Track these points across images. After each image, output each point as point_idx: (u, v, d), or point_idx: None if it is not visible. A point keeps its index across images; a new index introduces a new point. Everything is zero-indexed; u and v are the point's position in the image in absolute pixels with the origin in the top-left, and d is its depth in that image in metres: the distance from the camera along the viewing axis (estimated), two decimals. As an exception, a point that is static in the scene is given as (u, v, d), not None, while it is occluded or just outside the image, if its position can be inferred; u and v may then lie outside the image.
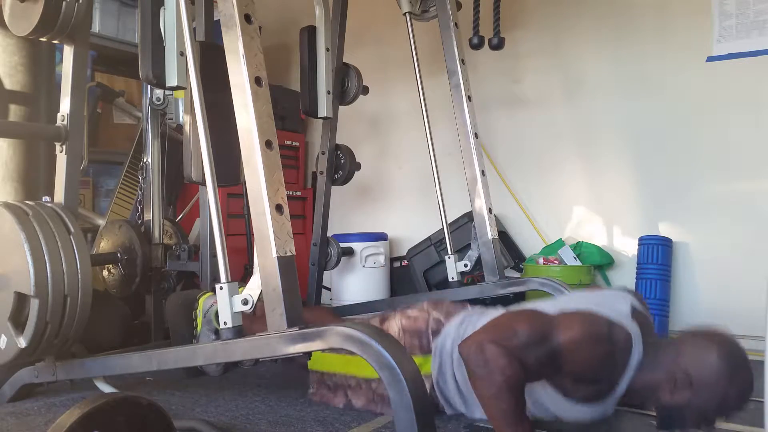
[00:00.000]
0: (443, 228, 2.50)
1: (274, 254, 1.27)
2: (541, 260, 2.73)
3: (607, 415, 1.44)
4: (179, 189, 3.19)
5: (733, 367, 1.29)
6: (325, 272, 2.73)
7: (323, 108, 2.43)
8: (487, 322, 1.39)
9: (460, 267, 2.39)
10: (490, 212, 2.32)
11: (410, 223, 3.34)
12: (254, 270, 1.33)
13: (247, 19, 1.34)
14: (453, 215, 2.79)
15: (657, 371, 1.34)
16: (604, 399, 1.38)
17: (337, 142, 2.64)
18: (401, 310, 1.75)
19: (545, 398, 1.43)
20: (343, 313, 2.50)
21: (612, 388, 1.36)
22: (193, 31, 1.54)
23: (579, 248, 2.78)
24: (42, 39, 1.73)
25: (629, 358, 1.33)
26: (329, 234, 2.73)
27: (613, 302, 1.40)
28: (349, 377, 1.69)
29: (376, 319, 1.78)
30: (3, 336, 1.56)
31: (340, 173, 2.66)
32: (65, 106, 1.75)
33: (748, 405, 1.31)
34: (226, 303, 1.34)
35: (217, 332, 1.65)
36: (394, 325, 1.69)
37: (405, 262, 3.17)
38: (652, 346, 1.36)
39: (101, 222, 2.66)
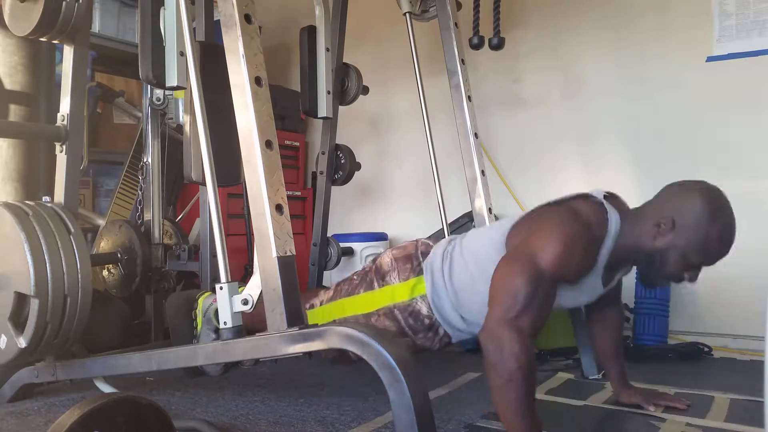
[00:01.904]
0: (443, 228, 2.49)
1: (274, 254, 1.27)
2: (541, 260, 2.72)
3: (598, 294, 1.54)
4: (179, 189, 3.19)
5: (715, 208, 1.36)
6: (325, 272, 2.73)
7: (323, 108, 2.43)
8: (489, 295, 1.36)
9: (460, 267, 2.39)
10: (490, 212, 2.31)
11: (410, 223, 3.34)
12: (254, 270, 1.33)
13: (247, 19, 1.34)
14: (453, 215, 2.79)
15: (638, 225, 1.41)
16: (589, 274, 1.43)
17: (337, 142, 2.64)
18: (391, 247, 1.83)
19: None
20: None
21: (596, 257, 1.41)
22: (193, 31, 1.54)
23: (579, 248, 2.78)
24: (42, 39, 1.73)
25: (607, 226, 1.40)
26: (329, 234, 2.73)
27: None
28: (359, 317, 1.71)
29: (369, 263, 1.82)
30: (3, 336, 1.56)
31: (340, 173, 2.66)
32: (65, 106, 1.75)
33: (730, 250, 1.38)
34: (226, 303, 1.34)
35: (217, 331, 1.65)
36: (386, 257, 1.74)
37: (405, 262, 3.16)
38: (628, 211, 1.46)
39: (101, 222, 2.66)
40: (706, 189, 1.40)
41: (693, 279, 1.43)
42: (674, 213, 1.38)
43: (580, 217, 1.40)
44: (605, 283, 1.53)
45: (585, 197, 1.48)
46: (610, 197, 1.51)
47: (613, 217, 1.42)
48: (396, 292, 1.66)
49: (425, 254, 1.70)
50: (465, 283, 1.58)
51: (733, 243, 1.39)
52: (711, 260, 1.41)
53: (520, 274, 1.32)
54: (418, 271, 1.66)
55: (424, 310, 1.63)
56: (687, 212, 1.37)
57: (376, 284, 1.71)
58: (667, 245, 1.38)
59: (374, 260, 1.81)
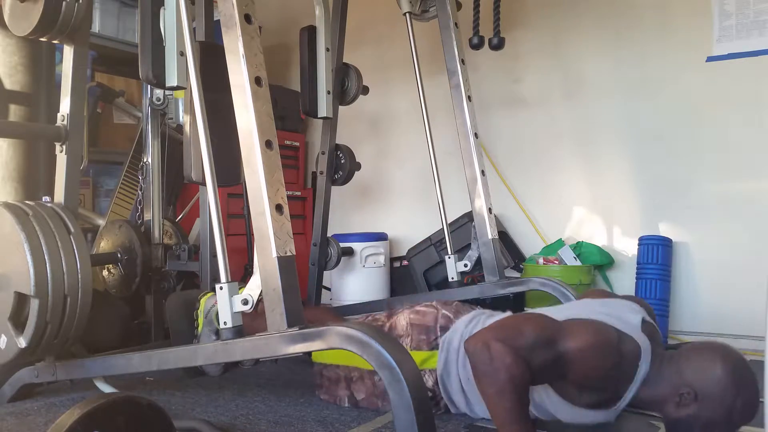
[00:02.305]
0: (443, 228, 2.50)
1: (274, 254, 1.27)
2: (541, 260, 2.73)
3: (609, 424, 1.44)
4: (179, 189, 3.19)
5: (738, 380, 1.28)
6: (325, 272, 2.73)
7: (323, 108, 2.43)
8: (495, 322, 1.39)
9: (460, 267, 2.39)
10: (490, 212, 2.31)
11: (410, 223, 3.34)
12: (254, 270, 1.33)
13: (247, 19, 1.34)
14: (453, 215, 2.79)
15: (661, 385, 1.34)
16: (607, 408, 1.38)
17: (337, 142, 2.64)
18: (410, 305, 1.75)
19: (546, 400, 1.43)
20: (343, 314, 2.50)
21: (616, 398, 1.35)
22: (193, 31, 1.54)
23: (579, 248, 2.78)
24: (42, 39, 1.73)
25: (636, 371, 1.33)
26: (329, 234, 2.73)
27: (624, 313, 1.40)
28: (352, 369, 1.69)
29: (383, 313, 1.78)
30: (3, 336, 1.56)
31: (340, 173, 2.66)
32: (65, 106, 1.75)
33: (753, 418, 1.29)
34: (226, 303, 1.34)
35: (218, 333, 1.65)
36: (403, 319, 1.69)
37: (405, 262, 3.16)
38: (658, 359, 1.36)
39: (101, 222, 2.66)
40: (729, 357, 1.33)
41: None
42: (696, 383, 1.30)
43: (620, 342, 1.33)
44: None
45: (630, 339, 1.37)
46: (645, 328, 1.40)
47: (643, 367, 1.35)
48: None
49: (444, 329, 1.64)
50: None
51: (757, 410, 1.31)
52: (735, 427, 1.34)
53: (537, 325, 1.30)
54: (433, 346, 1.62)
55: (429, 384, 1.60)
56: (709, 384, 1.30)
57: None
58: (690, 418, 1.32)
59: (389, 315, 1.75)
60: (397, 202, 3.50)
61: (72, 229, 1.61)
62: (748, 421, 1.31)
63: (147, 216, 2.52)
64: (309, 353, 1.27)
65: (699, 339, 2.45)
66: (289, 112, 3.34)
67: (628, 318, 1.38)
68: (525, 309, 2.42)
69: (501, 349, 1.23)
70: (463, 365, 1.55)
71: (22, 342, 1.53)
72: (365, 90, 2.64)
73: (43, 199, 1.72)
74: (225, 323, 1.34)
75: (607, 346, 1.30)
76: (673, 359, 1.36)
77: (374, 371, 1.60)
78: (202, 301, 1.78)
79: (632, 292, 2.56)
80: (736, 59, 2.59)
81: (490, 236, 2.29)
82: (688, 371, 1.32)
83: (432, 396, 1.62)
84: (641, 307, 1.45)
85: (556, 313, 1.41)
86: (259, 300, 1.33)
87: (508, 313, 1.64)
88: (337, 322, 1.38)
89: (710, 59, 2.64)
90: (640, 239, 2.65)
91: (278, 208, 1.30)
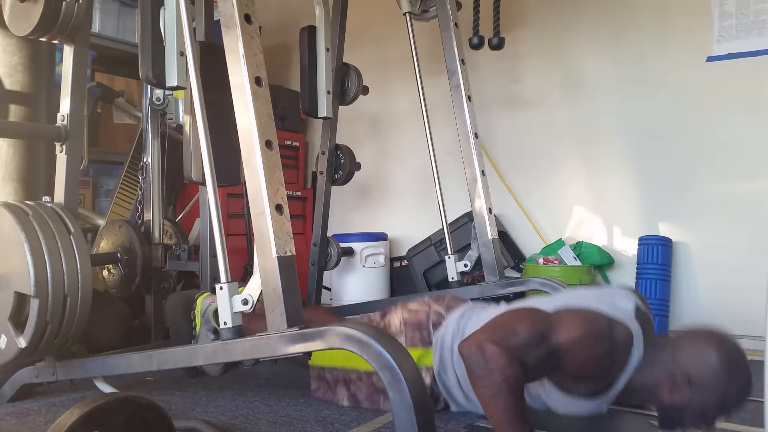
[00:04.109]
0: (443, 228, 2.49)
1: (274, 254, 1.27)
2: (541, 260, 2.73)
3: (601, 412, 1.45)
4: (179, 189, 3.19)
5: (731, 365, 1.29)
6: (325, 272, 2.73)
7: (323, 108, 2.43)
8: (487, 322, 1.39)
9: (460, 267, 2.39)
10: (490, 212, 2.31)
11: (410, 223, 3.34)
12: (254, 270, 1.33)
13: (247, 19, 1.34)
14: (453, 215, 2.79)
15: (655, 371, 1.34)
16: (600, 396, 1.38)
17: (337, 142, 2.64)
18: (402, 304, 1.76)
19: (541, 391, 1.44)
20: (343, 313, 2.50)
21: (609, 386, 1.36)
22: (193, 31, 1.54)
23: (579, 248, 2.78)
24: (42, 39, 1.73)
25: (629, 357, 1.33)
26: (329, 234, 2.73)
27: (617, 300, 1.40)
28: (350, 371, 1.69)
29: (377, 313, 1.79)
30: (3, 336, 1.56)
31: (340, 173, 2.66)
32: (65, 106, 1.75)
33: (747, 404, 1.31)
34: (226, 303, 1.34)
35: (215, 332, 1.65)
36: (396, 318, 1.70)
37: (405, 262, 3.16)
38: (651, 346, 1.36)
39: (101, 222, 2.66)
40: (723, 342, 1.33)
41: (709, 428, 1.36)
42: (690, 368, 1.31)
43: (612, 329, 1.33)
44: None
45: (620, 324, 1.37)
46: (639, 315, 1.41)
47: (636, 354, 1.35)
48: None
49: (436, 325, 1.65)
50: None
51: (749, 397, 1.33)
52: (727, 414, 1.35)
53: (529, 322, 1.30)
54: (427, 343, 1.63)
55: (427, 381, 1.60)
56: (703, 368, 1.31)
57: None
58: (683, 401, 1.32)
59: (384, 314, 1.75)
60: (397, 202, 3.50)
61: (72, 229, 1.61)
62: (741, 408, 1.32)
63: (147, 216, 2.52)
64: (309, 356, 1.27)
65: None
66: (289, 112, 3.34)
67: (621, 305, 1.38)
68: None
69: (495, 351, 1.23)
70: (459, 361, 1.55)
71: (22, 342, 1.53)
72: (365, 90, 2.64)
73: (43, 199, 1.71)
74: (225, 323, 1.34)
75: (599, 335, 1.30)
76: (668, 345, 1.37)
77: (372, 372, 1.62)
78: (199, 301, 1.78)
79: (632, 292, 2.56)
80: (736, 59, 2.59)
81: (490, 236, 2.29)
82: (682, 356, 1.33)
83: (431, 393, 1.62)
84: (635, 296, 1.45)
85: (549, 303, 1.41)
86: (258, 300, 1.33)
87: (500, 306, 1.64)
88: (337, 322, 1.38)
89: (710, 59, 2.64)
90: (640, 239, 2.65)
91: (278, 208, 1.30)
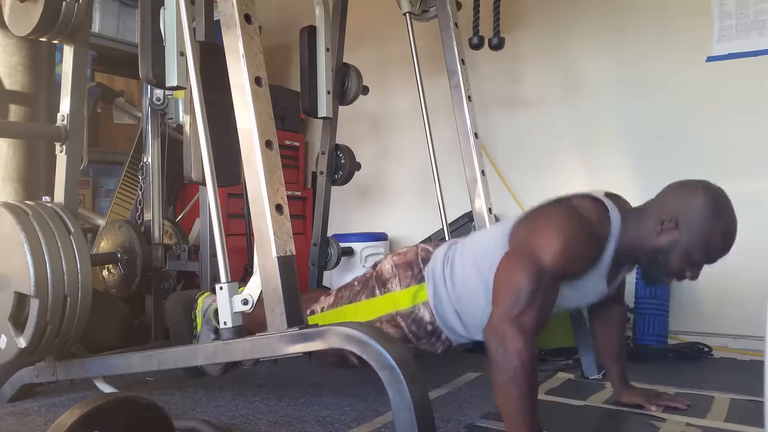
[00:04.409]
0: (443, 228, 2.49)
1: (274, 254, 1.27)
2: (541, 260, 2.72)
3: (603, 294, 1.53)
4: (179, 189, 3.19)
5: (717, 206, 1.38)
6: (325, 272, 2.73)
7: (323, 108, 2.43)
8: (493, 292, 1.37)
9: (460, 267, 2.39)
10: (490, 212, 2.31)
11: (410, 223, 3.34)
12: (254, 270, 1.33)
13: (247, 19, 1.34)
14: (453, 215, 2.79)
15: (642, 222, 1.43)
16: (595, 267, 1.43)
17: (337, 142, 2.64)
18: (392, 252, 1.82)
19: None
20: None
21: (599, 256, 1.41)
22: (193, 31, 1.54)
23: (579, 248, 2.78)
24: (42, 39, 1.73)
25: (609, 220, 1.41)
26: (329, 234, 2.73)
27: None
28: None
29: (369, 269, 1.82)
30: (3, 336, 1.56)
31: (340, 173, 2.66)
32: (65, 106, 1.75)
33: (731, 248, 1.41)
34: (226, 303, 1.34)
35: (216, 331, 1.65)
36: (387, 263, 1.74)
37: (405, 262, 3.16)
38: (630, 210, 1.48)
39: (101, 222, 2.66)
40: (709, 188, 1.42)
41: (694, 277, 1.46)
42: (677, 211, 1.40)
43: (581, 215, 1.41)
44: (609, 283, 1.53)
45: (586, 196, 1.48)
46: (611, 196, 1.51)
47: (615, 216, 1.43)
48: (397, 300, 1.66)
49: (426, 260, 1.69)
50: (468, 288, 1.58)
51: (734, 241, 1.42)
52: (713, 258, 1.43)
53: (523, 271, 1.32)
54: (420, 278, 1.66)
55: (427, 317, 1.63)
56: (690, 211, 1.39)
57: (377, 291, 1.71)
58: (670, 243, 1.40)
59: (375, 266, 1.80)
60: (397, 202, 3.50)
61: (72, 229, 1.61)
62: (727, 250, 1.41)
63: (147, 216, 2.52)
64: (309, 354, 1.27)
65: (699, 339, 2.45)
66: (289, 112, 3.34)
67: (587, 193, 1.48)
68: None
69: (513, 335, 1.23)
70: (452, 286, 1.59)
71: (22, 342, 1.53)
72: (365, 90, 2.64)
73: (43, 199, 1.72)
74: (225, 323, 1.34)
75: (575, 229, 1.37)
76: (652, 201, 1.47)
77: (374, 320, 1.67)
78: (199, 301, 1.78)
79: (632, 292, 2.55)
80: (736, 59, 2.59)
81: (490, 236, 2.29)
82: (670, 202, 1.42)
83: (433, 330, 1.64)
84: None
85: (524, 228, 1.47)
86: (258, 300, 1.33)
87: (484, 234, 1.68)
88: (337, 322, 1.38)
89: (710, 59, 2.64)
90: (640, 239, 2.65)
91: (278, 208, 1.30)
